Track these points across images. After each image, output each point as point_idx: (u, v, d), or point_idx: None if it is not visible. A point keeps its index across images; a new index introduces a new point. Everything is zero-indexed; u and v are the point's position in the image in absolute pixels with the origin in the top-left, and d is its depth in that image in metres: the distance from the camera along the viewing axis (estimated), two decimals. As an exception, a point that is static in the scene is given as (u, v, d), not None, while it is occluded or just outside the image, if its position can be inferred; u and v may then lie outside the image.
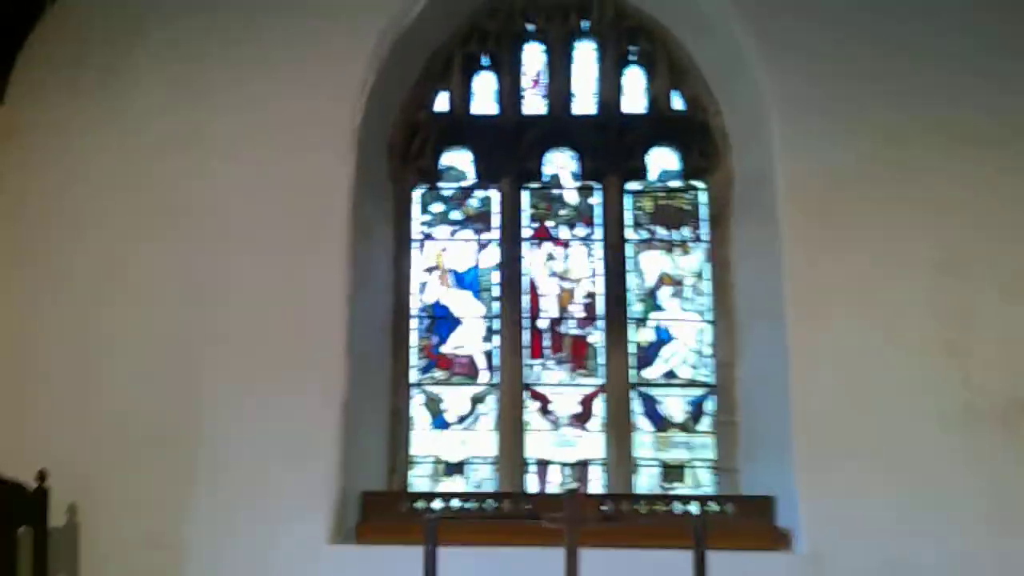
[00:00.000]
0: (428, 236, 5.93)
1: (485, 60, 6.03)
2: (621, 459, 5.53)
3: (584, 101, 6.04)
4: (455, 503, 5.27)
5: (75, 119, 5.57)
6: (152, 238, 5.38)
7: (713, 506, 5.32)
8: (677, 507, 5.33)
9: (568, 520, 3.96)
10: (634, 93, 6.02)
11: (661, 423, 5.63)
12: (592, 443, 5.55)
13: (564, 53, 6.05)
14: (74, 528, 5.07)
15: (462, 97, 6.01)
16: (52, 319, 5.34)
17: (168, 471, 5.14)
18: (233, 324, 5.28)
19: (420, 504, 5.30)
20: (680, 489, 5.55)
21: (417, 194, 5.96)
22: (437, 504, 5.28)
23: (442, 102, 6.00)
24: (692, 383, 5.68)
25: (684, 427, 5.62)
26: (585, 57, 6.07)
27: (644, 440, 5.58)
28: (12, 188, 5.44)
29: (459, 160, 5.99)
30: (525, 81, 6.06)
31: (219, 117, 5.51)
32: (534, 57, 6.09)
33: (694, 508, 5.30)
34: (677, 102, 5.99)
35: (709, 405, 5.64)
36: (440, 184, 5.97)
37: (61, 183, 5.48)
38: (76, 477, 5.05)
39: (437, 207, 5.98)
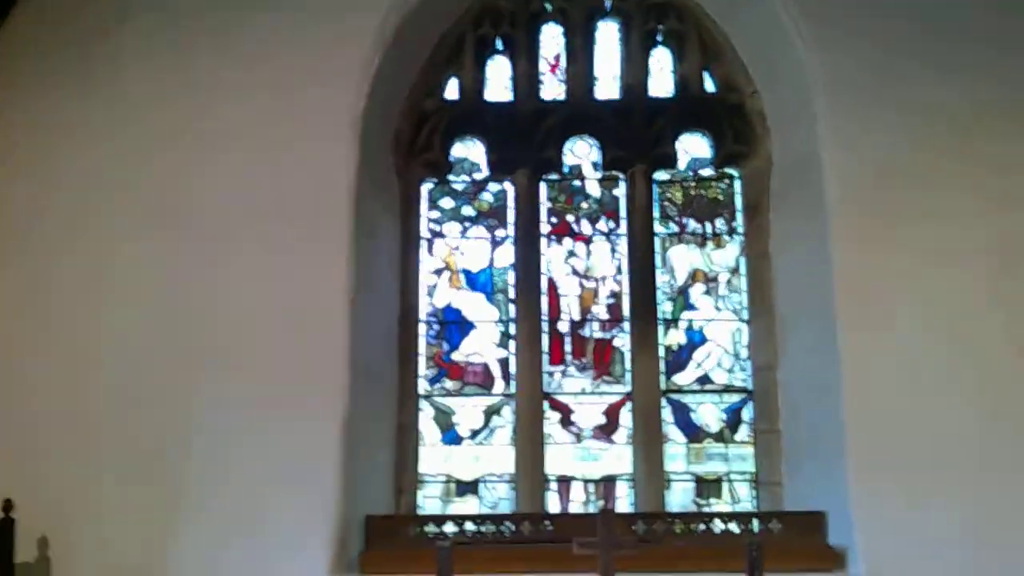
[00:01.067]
0: (437, 234, 5.62)
1: (499, 43, 5.72)
2: (651, 474, 5.21)
3: (607, 85, 5.70)
4: (469, 526, 4.98)
5: (56, 113, 5.24)
6: (139, 240, 5.06)
7: (757, 524, 4.96)
8: (717, 526, 4.97)
9: (603, 544, 3.70)
10: (662, 75, 5.69)
11: (695, 433, 5.34)
12: (619, 457, 5.32)
13: (585, 34, 5.71)
14: (44, 563, 4.68)
15: (474, 83, 5.67)
16: (30, 327, 5.00)
17: (152, 497, 4.78)
18: (225, 332, 4.92)
19: (430, 528, 4.97)
20: (718, 505, 5.23)
21: (425, 188, 5.65)
22: (449, 528, 4.98)
23: (452, 89, 5.68)
24: (728, 389, 5.38)
25: (720, 437, 5.33)
26: (608, 38, 5.74)
27: (676, 452, 5.31)
28: (-12, 188, 5.14)
29: (471, 151, 5.68)
30: (543, 65, 5.75)
31: (211, 108, 5.17)
32: (552, 39, 5.78)
33: (735, 527, 4.95)
34: (709, 84, 5.64)
35: (747, 413, 5.34)
36: (450, 177, 5.65)
37: (43, 181, 5.16)
38: (47, 505, 4.70)
39: (447, 202, 5.66)
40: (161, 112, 5.18)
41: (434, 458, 5.33)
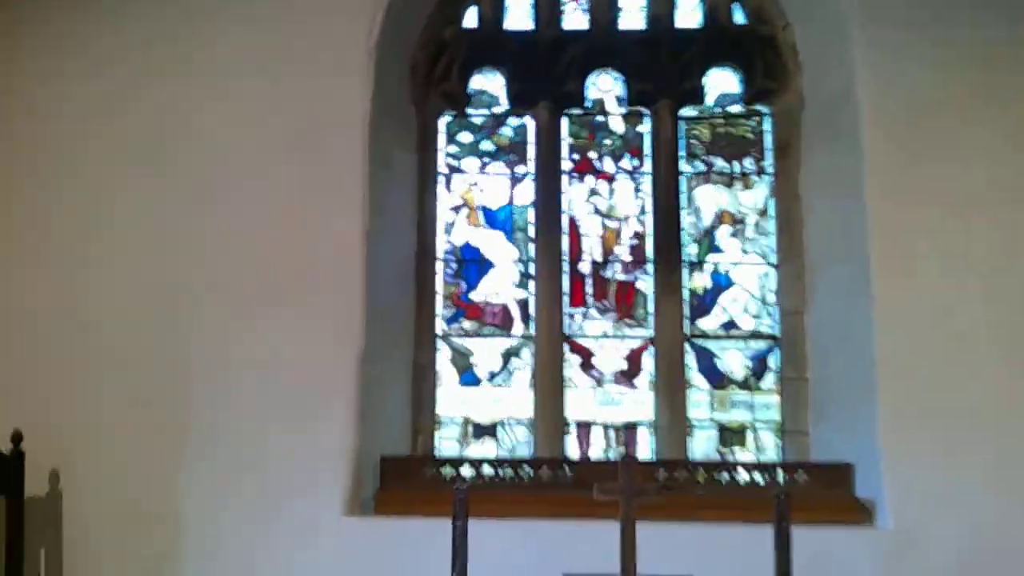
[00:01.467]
0: (456, 169, 5.41)
1: None
2: (674, 421, 5.05)
3: (631, 15, 5.43)
4: (487, 470, 4.84)
5: (54, 39, 4.97)
6: (142, 176, 4.83)
7: (782, 474, 4.81)
8: (741, 476, 4.84)
9: (624, 491, 3.56)
10: (688, 5, 5.42)
11: (719, 380, 5.16)
12: (641, 402, 5.14)
13: None
14: (55, 498, 4.58)
15: (494, 11, 5.41)
16: (29, 266, 4.82)
17: (161, 433, 4.63)
18: (234, 268, 4.74)
19: (447, 471, 4.84)
20: (742, 455, 5.08)
21: (443, 122, 5.42)
22: (466, 471, 4.84)
23: (471, 17, 5.44)
24: (754, 335, 5.19)
25: (745, 384, 5.16)
26: None
27: (699, 400, 5.13)
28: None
29: (490, 83, 5.43)
30: None
31: (216, 39, 4.90)
32: None
33: (760, 477, 4.82)
34: (738, 15, 5.39)
35: (774, 360, 5.15)
36: (469, 110, 5.41)
37: (36, 118, 4.89)
38: (57, 439, 4.56)
39: (465, 136, 5.44)
40: (164, 40, 4.93)
41: (451, 400, 5.18)
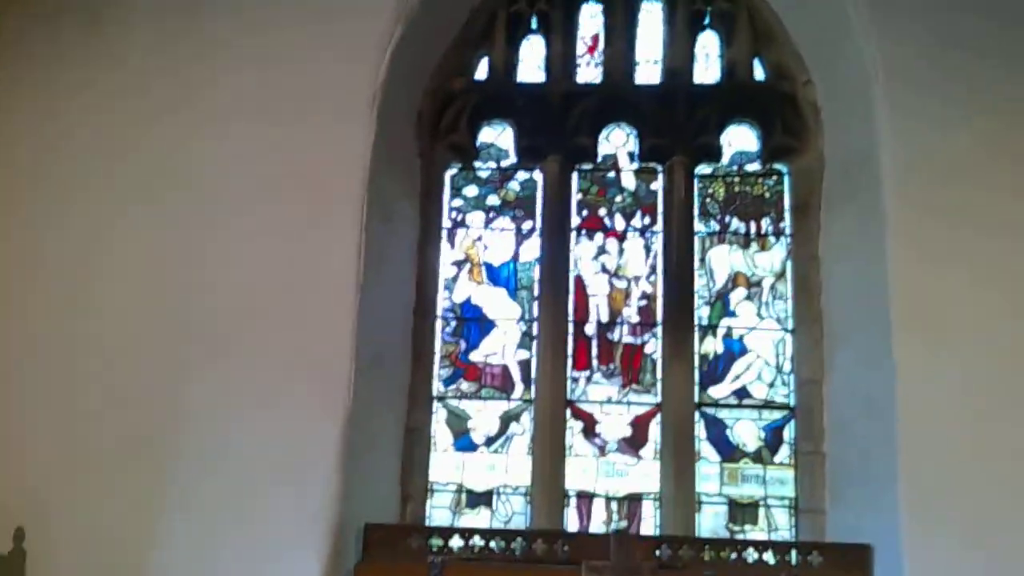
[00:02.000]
0: (460, 223, 5.29)
1: (534, 21, 5.41)
2: (681, 494, 4.82)
3: (648, 70, 5.36)
4: (477, 541, 4.60)
5: (60, 75, 5.00)
6: (137, 212, 4.77)
7: (795, 555, 4.54)
8: (750, 555, 4.56)
9: (616, 568, 3.47)
10: (707, 61, 5.34)
11: (730, 452, 4.97)
12: (646, 474, 4.96)
13: (626, 13, 5.38)
14: (20, 556, 4.27)
15: (505, 63, 5.34)
16: (17, 301, 4.71)
17: (137, 489, 4.44)
18: (222, 316, 4.60)
19: (435, 541, 4.60)
20: (753, 533, 4.83)
21: (449, 174, 5.33)
22: (456, 542, 4.60)
23: (482, 69, 5.36)
24: (768, 404, 5.00)
25: (758, 458, 4.95)
26: (651, 19, 5.40)
27: (709, 472, 4.94)
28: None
29: (499, 137, 5.37)
30: (579, 46, 5.41)
31: (218, 77, 4.89)
32: (591, 18, 5.46)
33: (771, 557, 4.55)
34: (759, 71, 5.27)
35: (789, 432, 4.95)
36: (476, 163, 5.32)
37: (39, 152, 4.89)
38: (24, 494, 4.37)
39: (471, 190, 5.33)
40: (167, 79, 4.92)
41: (445, 465, 4.99)
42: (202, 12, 4.97)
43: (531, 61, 5.37)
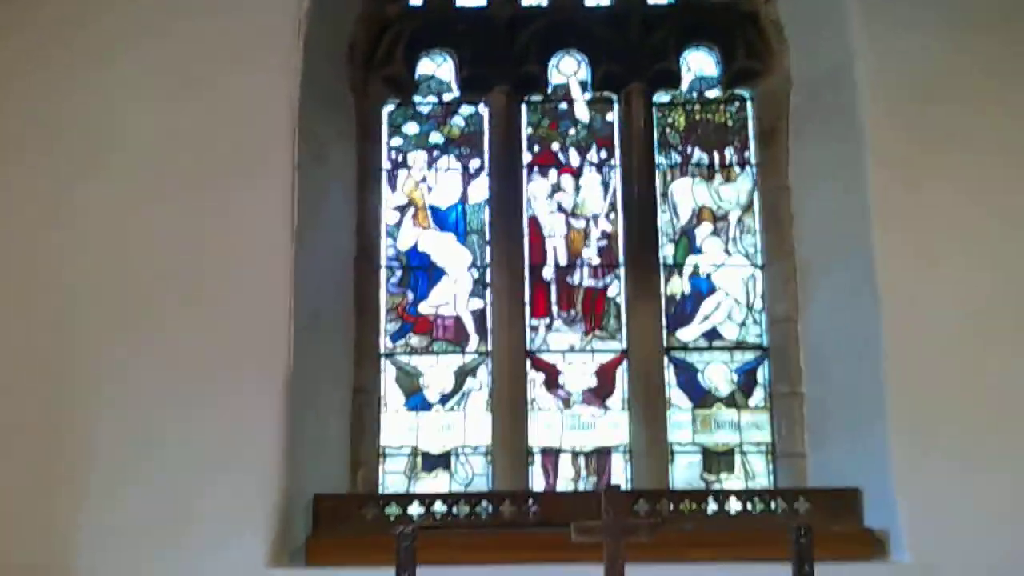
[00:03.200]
0: (400, 164, 4.99)
1: None
2: (652, 445, 4.63)
3: None
4: (439, 507, 4.33)
5: None
6: (51, 178, 4.31)
7: (780, 503, 4.33)
8: (733, 505, 4.35)
9: (610, 529, 3.06)
10: None
11: (701, 397, 4.77)
12: (614, 425, 4.74)
13: None
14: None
15: None
16: None
17: (55, 478, 4.03)
18: (146, 280, 4.20)
19: (392, 510, 4.30)
20: (729, 482, 4.65)
21: (386, 111, 5.02)
22: (415, 509, 4.32)
23: None
24: (740, 345, 4.81)
25: (732, 402, 4.76)
26: None
27: (681, 420, 4.73)
28: None
29: (440, 68, 5.05)
30: None
31: (118, 5, 4.45)
32: None
33: (755, 506, 4.33)
34: None
35: (763, 373, 4.78)
36: (416, 98, 5.02)
37: None
38: None
39: (412, 127, 5.03)
40: (59, 7, 4.44)
41: (397, 427, 4.70)
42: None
43: (471, -15, 5.04)
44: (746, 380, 4.74)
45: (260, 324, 4.14)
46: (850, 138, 4.39)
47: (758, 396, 4.72)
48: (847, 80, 4.42)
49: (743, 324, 4.79)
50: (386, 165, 4.93)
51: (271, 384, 4.10)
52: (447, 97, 4.99)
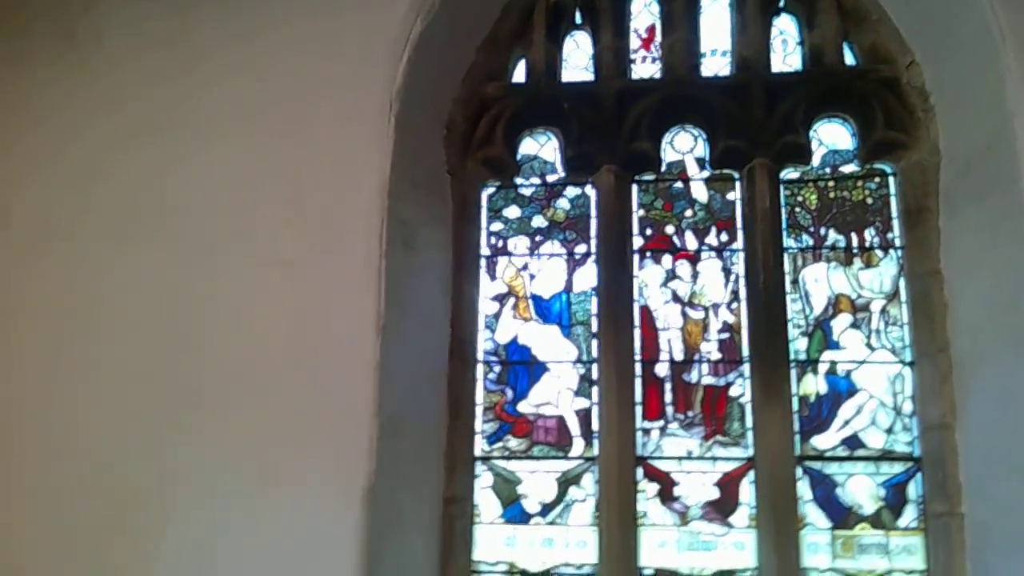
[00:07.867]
0: (500, 250, 4.72)
1: (578, 15, 4.86)
2: (785, 571, 4.13)
3: (715, 61, 4.74)
4: None
5: (26, 97, 4.56)
6: (116, 250, 4.29)
7: None
8: None
9: None
10: (786, 48, 4.73)
11: (842, 516, 4.28)
12: (739, 546, 4.32)
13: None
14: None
15: (547, 63, 4.76)
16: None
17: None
18: (214, 373, 4.05)
19: None
20: None
21: (486, 193, 4.78)
22: None
23: (520, 71, 4.82)
24: (887, 455, 4.31)
25: (878, 522, 4.25)
26: (715, 5, 4.80)
27: (817, 541, 4.25)
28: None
29: (543, 147, 4.81)
30: (633, 40, 4.82)
31: (205, 91, 4.39)
32: (645, 7, 4.88)
33: None
34: (848, 58, 4.63)
35: (915, 488, 4.26)
36: (517, 180, 4.77)
37: (8, 183, 4.47)
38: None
39: (513, 211, 4.76)
40: (148, 98, 4.43)
41: (492, 540, 4.37)
42: (185, 17, 4.47)
43: (576, 60, 4.80)
44: (895, 496, 4.24)
45: (339, 426, 3.89)
46: (1011, 215, 3.91)
47: (909, 515, 4.20)
48: (1006, 150, 3.95)
49: (890, 430, 4.30)
50: (485, 251, 4.67)
51: (351, 493, 3.83)
52: (551, 178, 4.73)
